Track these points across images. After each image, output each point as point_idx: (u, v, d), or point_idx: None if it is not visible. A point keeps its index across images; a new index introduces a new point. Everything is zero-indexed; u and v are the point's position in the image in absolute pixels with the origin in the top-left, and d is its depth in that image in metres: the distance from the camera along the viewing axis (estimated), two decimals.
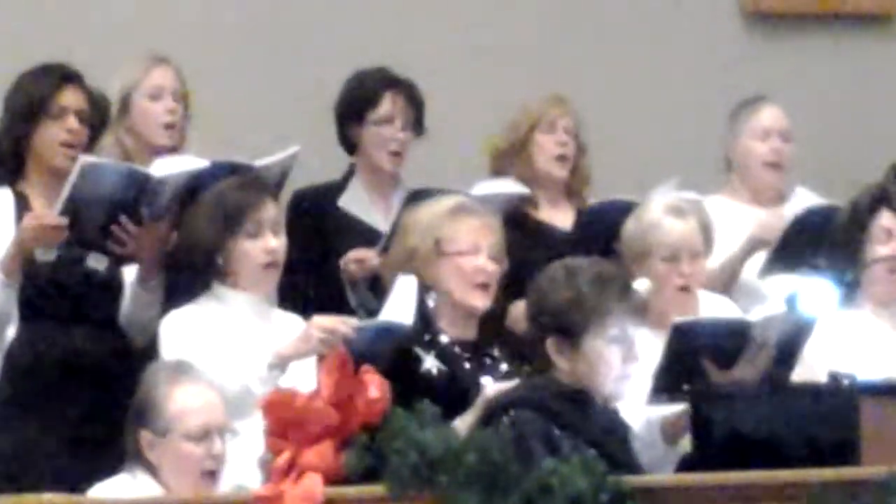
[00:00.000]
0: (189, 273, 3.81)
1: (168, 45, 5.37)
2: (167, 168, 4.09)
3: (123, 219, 3.88)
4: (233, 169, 4.10)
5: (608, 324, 3.34)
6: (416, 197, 4.37)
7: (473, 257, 3.74)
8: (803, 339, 3.87)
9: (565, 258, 3.66)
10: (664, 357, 3.73)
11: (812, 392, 3.61)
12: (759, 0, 6.11)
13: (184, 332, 3.77)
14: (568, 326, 3.34)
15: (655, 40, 5.92)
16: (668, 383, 3.74)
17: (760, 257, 4.68)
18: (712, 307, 4.16)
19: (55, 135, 4.06)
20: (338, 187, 4.75)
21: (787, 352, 3.85)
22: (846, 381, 3.54)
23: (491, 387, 3.55)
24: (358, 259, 4.44)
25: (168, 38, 5.60)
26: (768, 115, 4.92)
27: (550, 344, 3.36)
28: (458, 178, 5.01)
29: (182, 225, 3.86)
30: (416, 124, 4.61)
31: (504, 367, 3.77)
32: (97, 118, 4.24)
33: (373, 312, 4.05)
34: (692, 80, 5.85)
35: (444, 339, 3.79)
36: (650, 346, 3.71)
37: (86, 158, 4.01)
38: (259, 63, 5.80)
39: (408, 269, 3.81)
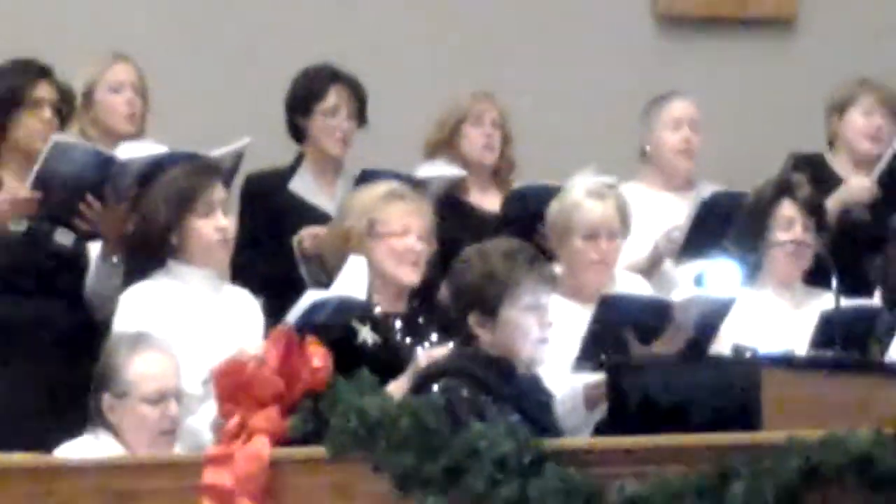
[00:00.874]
0: (146, 251, 3.95)
1: (127, 41, 5.56)
2: (131, 152, 4.30)
3: (89, 197, 4.16)
4: (189, 157, 4.30)
5: (521, 293, 3.57)
6: (367, 176, 4.63)
7: (404, 238, 4.08)
8: (721, 320, 4.19)
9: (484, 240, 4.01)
10: (590, 327, 4.02)
11: (718, 364, 3.90)
12: (671, 4, 6.36)
13: (141, 305, 4.03)
14: (485, 300, 3.58)
15: (576, 41, 6.16)
16: (593, 353, 4.02)
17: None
18: (628, 285, 4.46)
19: (31, 124, 4.34)
20: (287, 172, 4.97)
21: (706, 331, 4.17)
22: (749, 354, 3.93)
23: (422, 356, 3.81)
24: (311, 235, 4.64)
25: (127, 35, 5.79)
26: (679, 107, 5.17)
27: (472, 319, 3.58)
28: (395, 165, 4.84)
29: (140, 206, 4.02)
30: (360, 115, 4.86)
31: (434, 337, 4.05)
32: (66, 109, 4.44)
33: (323, 286, 4.19)
34: (610, 78, 6.14)
35: (377, 312, 4.10)
36: (572, 317, 4.03)
37: (57, 137, 4.29)
38: (214, 61, 5.97)
39: (345, 248, 4.13)
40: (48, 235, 4.46)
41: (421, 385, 3.62)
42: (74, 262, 4.47)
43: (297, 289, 4.50)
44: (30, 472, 3.62)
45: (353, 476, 3.32)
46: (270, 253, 4.90)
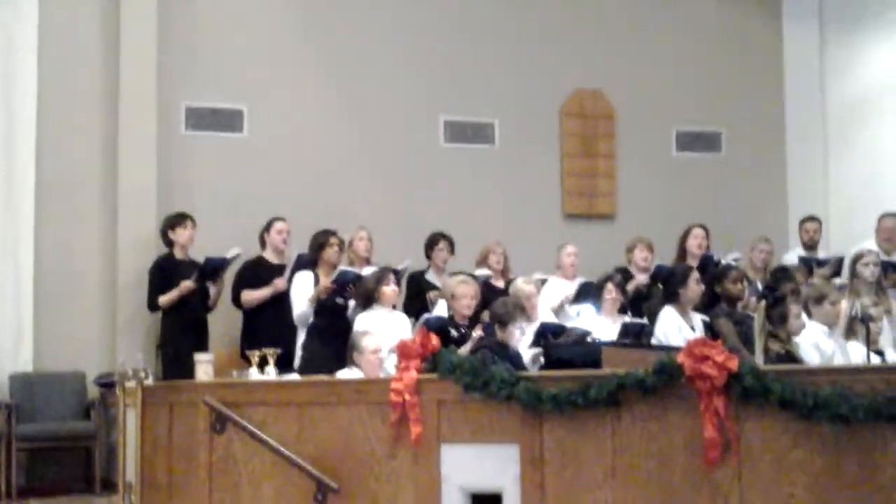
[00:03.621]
0: (366, 301, 7.54)
1: (366, 220, 8.91)
2: (365, 272, 7.91)
3: (350, 287, 7.47)
4: (378, 271, 7.82)
5: (515, 321, 6.45)
6: (452, 274, 7.98)
7: (466, 299, 7.12)
8: (588, 332, 6.84)
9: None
10: (535, 334, 6.85)
11: (586, 345, 6.55)
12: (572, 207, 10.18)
13: (366, 320, 7.24)
14: (502, 321, 6.41)
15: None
16: (536, 342, 6.83)
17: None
18: (549, 316, 7.46)
19: (330, 255, 7.74)
20: (424, 271, 8.79)
21: (582, 335, 6.82)
22: (594, 339, 6.69)
23: (474, 337, 6.74)
24: (435, 294, 8.02)
25: (365, 217, 9.12)
26: (570, 249, 8.60)
27: (497, 327, 6.46)
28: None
29: (365, 284, 7.57)
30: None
31: (477, 332, 6.83)
32: (343, 249, 8.09)
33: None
34: (539, 238, 10.13)
35: (456, 322, 7.07)
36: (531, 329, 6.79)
37: (341, 266, 7.68)
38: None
39: (448, 300, 7.27)
40: (335, 299, 7.68)
41: (473, 350, 6.32)
42: (339, 308, 7.60)
43: (424, 313, 7.63)
44: (327, 383, 6.20)
45: (446, 387, 5.48)
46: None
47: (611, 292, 7.53)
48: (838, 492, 4.61)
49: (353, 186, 9.47)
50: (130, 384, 6.41)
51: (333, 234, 7.71)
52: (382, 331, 6.90)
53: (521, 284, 7.42)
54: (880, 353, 6.47)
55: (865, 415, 4.50)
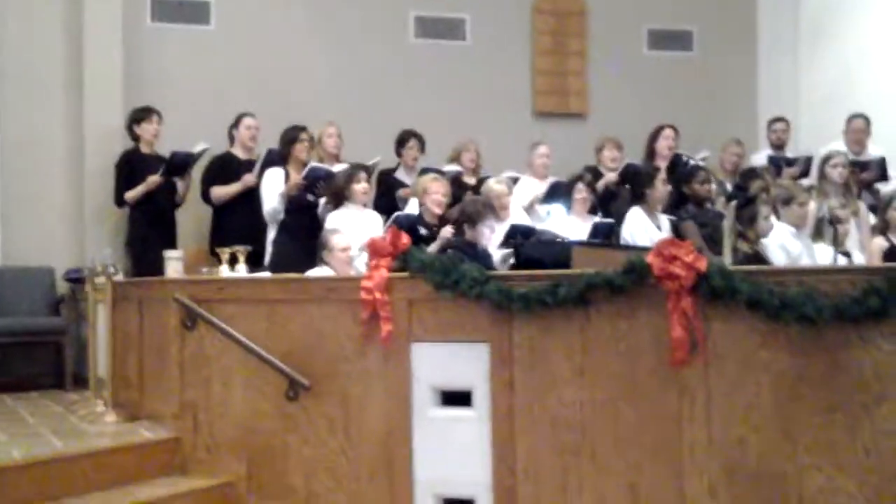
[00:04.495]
0: (337, 199, 7.55)
1: (336, 114, 8.73)
2: (336, 168, 7.96)
3: (320, 183, 7.49)
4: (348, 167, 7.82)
5: (485, 219, 6.56)
6: (424, 170, 8.08)
7: (436, 195, 7.11)
8: (558, 232, 6.92)
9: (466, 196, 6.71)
10: (505, 235, 6.95)
11: (557, 245, 6.59)
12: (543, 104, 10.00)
13: (337, 218, 7.29)
14: (472, 219, 6.51)
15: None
16: (506, 244, 6.89)
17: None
18: (520, 216, 7.50)
19: (300, 152, 7.71)
20: (393, 170, 8.79)
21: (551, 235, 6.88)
22: (565, 239, 6.72)
23: (443, 234, 6.84)
24: (405, 193, 7.92)
25: (336, 108, 9.18)
26: (542, 148, 8.58)
27: (466, 226, 6.58)
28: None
29: (337, 181, 7.59)
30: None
31: (447, 230, 6.90)
32: (312, 146, 7.97)
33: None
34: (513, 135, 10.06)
35: (426, 220, 7.06)
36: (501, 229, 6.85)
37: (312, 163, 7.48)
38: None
39: (418, 197, 7.20)
40: (304, 196, 7.61)
41: (442, 249, 6.49)
42: (309, 205, 7.56)
43: (395, 210, 7.57)
44: (298, 281, 6.11)
45: (417, 285, 5.43)
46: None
47: (581, 192, 7.59)
48: (803, 391, 4.67)
49: (323, 82, 9.46)
50: (100, 280, 6.38)
51: (304, 129, 7.68)
52: (353, 229, 6.92)
53: (493, 184, 7.43)
54: (847, 254, 6.53)
55: (831, 315, 4.55)
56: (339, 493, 5.51)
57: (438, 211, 7.12)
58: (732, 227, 6.21)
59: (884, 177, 8.44)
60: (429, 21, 10.13)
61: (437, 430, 5.35)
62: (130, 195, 7.90)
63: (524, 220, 7.51)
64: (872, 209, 7.71)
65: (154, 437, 5.88)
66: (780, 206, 6.74)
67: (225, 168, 8.11)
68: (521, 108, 10.17)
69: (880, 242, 6.91)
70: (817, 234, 7.15)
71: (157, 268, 6.49)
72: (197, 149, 7.84)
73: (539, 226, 7.17)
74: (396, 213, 7.26)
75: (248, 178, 8.00)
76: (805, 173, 8.52)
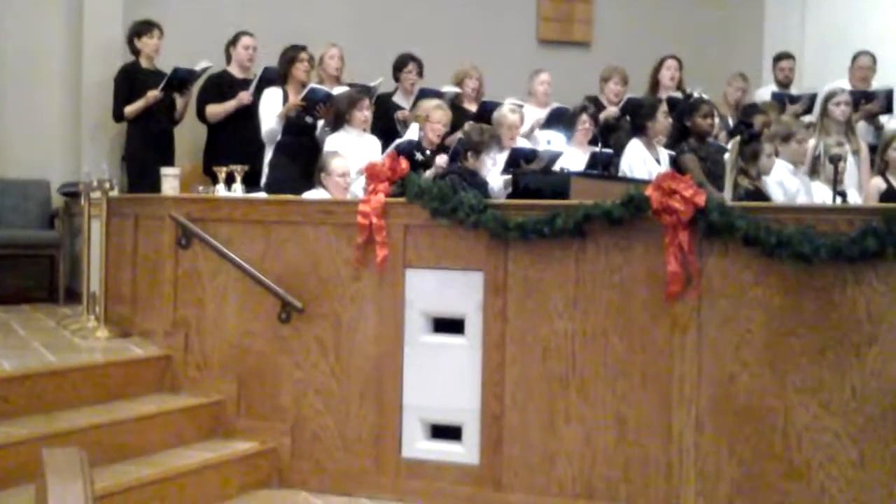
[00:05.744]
0: (337, 121, 7.41)
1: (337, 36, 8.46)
2: (336, 90, 7.79)
3: (320, 105, 7.35)
4: (351, 88, 7.79)
5: (487, 149, 6.47)
6: (423, 93, 8.03)
7: (437, 123, 7.04)
8: (557, 158, 6.94)
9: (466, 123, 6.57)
10: (506, 161, 6.83)
11: (555, 174, 6.59)
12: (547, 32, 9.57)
13: (336, 141, 7.21)
14: (475, 147, 6.39)
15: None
16: (507, 169, 6.78)
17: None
18: (521, 141, 7.27)
19: (299, 72, 7.58)
20: (392, 94, 8.53)
21: (550, 161, 6.89)
22: (563, 169, 6.71)
23: (439, 162, 6.77)
24: (403, 115, 7.74)
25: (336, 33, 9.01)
26: (544, 75, 8.45)
27: (469, 154, 6.43)
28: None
29: (334, 105, 7.46)
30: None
31: (443, 158, 6.90)
32: (313, 65, 7.81)
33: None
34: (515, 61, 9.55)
35: (423, 146, 7.01)
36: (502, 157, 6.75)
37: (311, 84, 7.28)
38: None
39: (417, 122, 7.14)
40: (303, 117, 7.49)
41: (442, 176, 6.26)
42: (307, 126, 7.44)
43: (395, 136, 7.52)
44: (295, 202, 6.02)
45: (414, 211, 5.40)
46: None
47: (584, 123, 7.50)
48: (795, 329, 4.67)
49: (326, 2, 9.33)
50: (95, 195, 6.36)
51: (304, 49, 7.58)
52: (352, 153, 6.84)
53: (508, 113, 7.33)
54: (842, 193, 6.49)
55: (827, 254, 4.53)
56: (327, 415, 5.48)
57: (436, 140, 7.06)
58: (735, 162, 6.10)
59: (889, 109, 8.34)
60: None
61: (428, 356, 5.35)
62: (129, 110, 7.82)
63: (524, 143, 7.40)
64: (873, 149, 7.59)
65: (145, 353, 5.88)
66: (778, 143, 6.67)
67: (221, 86, 8.03)
68: (525, 35, 10.03)
69: (878, 183, 6.86)
70: (813, 172, 7.13)
71: (153, 184, 6.43)
72: (199, 66, 7.73)
73: (540, 148, 7.06)
74: (398, 140, 7.18)
75: (244, 96, 7.92)
76: (808, 110, 8.45)
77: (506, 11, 9.82)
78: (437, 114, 7.01)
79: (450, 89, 7.99)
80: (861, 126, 8.24)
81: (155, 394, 5.69)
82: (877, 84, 8.65)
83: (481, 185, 6.29)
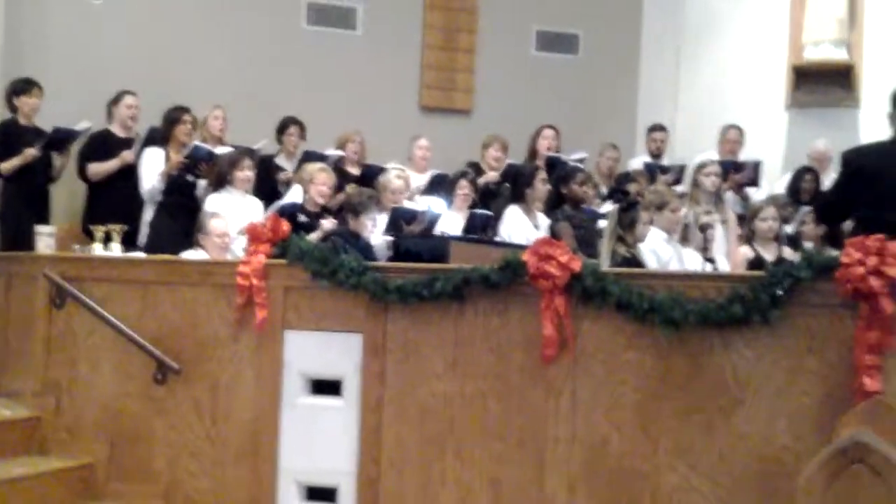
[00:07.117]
0: (220, 182, 7.36)
1: (223, 97, 8.37)
2: (220, 150, 7.76)
3: (202, 164, 7.41)
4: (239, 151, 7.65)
5: (367, 211, 6.55)
6: (308, 156, 7.92)
7: (322, 185, 7.01)
8: (436, 222, 7.02)
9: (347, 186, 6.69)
10: (388, 221, 6.84)
11: (436, 239, 6.57)
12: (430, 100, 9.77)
13: (217, 201, 7.07)
14: (356, 210, 6.45)
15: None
16: (389, 230, 6.76)
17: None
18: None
19: (182, 133, 7.54)
20: (273, 156, 8.47)
21: (430, 225, 6.95)
22: (442, 233, 6.72)
23: (324, 226, 6.74)
24: (286, 177, 7.92)
25: (224, 92, 8.88)
26: (423, 143, 8.63)
27: (350, 216, 6.49)
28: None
29: (217, 165, 7.44)
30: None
31: (328, 222, 6.86)
32: (195, 127, 7.81)
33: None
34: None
35: (308, 209, 6.94)
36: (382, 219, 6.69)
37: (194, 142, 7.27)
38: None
39: (301, 184, 7.12)
40: (184, 176, 7.48)
41: (324, 238, 6.42)
42: (188, 185, 7.43)
43: (277, 198, 7.55)
44: (173, 262, 6.00)
45: (294, 273, 5.40)
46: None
47: (463, 188, 7.56)
48: (665, 392, 4.75)
49: (210, 64, 9.24)
50: None
51: (187, 111, 7.51)
52: (233, 214, 6.79)
53: (393, 177, 7.37)
54: (712, 260, 6.66)
55: (696, 319, 4.62)
56: (202, 478, 5.37)
57: (322, 201, 7.06)
58: (613, 229, 6.21)
59: (755, 182, 8.45)
60: (321, 8, 10.00)
61: (305, 418, 5.31)
62: (5, 166, 7.61)
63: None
64: (741, 218, 7.82)
65: (12, 415, 5.72)
66: (653, 212, 6.82)
67: (103, 145, 7.83)
68: (407, 102, 10.12)
69: (746, 251, 7.05)
70: (684, 239, 7.25)
71: (28, 243, 6.31)
72: (80, 126, 7.57)
73: (420, 209, 7.11)
74: (279, 202, 7.22)
75: (127, 155, 7.80)
76: (677, 181, 8.64)
77: (390, 78, 9.86)
78: (322, 176, 7.01)
79: (333, 152, 7.92)
80: (729, 196, 8.45)
81: (24, 456, 5.53)
82: (744, 156, 8.87)
83: (364, 248, 6.31)
